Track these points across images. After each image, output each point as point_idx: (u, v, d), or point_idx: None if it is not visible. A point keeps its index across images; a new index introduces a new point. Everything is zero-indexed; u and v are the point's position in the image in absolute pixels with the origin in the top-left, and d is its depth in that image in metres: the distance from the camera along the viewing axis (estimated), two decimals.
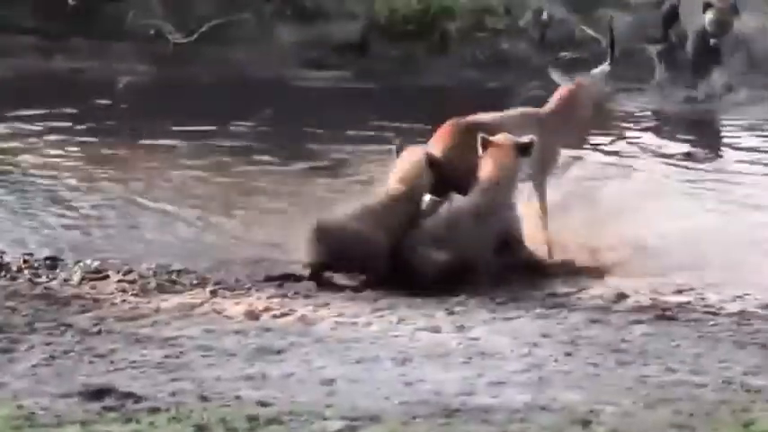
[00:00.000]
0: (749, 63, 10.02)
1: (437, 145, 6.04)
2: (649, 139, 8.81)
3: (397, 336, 5.03)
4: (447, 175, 5.93)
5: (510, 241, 5.86)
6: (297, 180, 7.46)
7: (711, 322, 5.27)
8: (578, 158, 7.60)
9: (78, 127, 8.30)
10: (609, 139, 8.58)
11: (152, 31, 9.94)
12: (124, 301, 5.39)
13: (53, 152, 7.85)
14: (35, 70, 9.64)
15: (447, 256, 5.70)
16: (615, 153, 8.30)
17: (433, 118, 6.32)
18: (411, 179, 5.94)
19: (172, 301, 5.39)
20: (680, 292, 5.71)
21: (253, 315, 5.25)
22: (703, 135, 9.13)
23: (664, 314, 5.35)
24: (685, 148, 8.54)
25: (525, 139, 5.94)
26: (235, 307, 5.32)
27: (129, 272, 5.72)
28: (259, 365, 4.64)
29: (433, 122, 6.24)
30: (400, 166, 6.03)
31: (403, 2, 10.16)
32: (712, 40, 9.61)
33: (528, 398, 4.36)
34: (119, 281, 5.60)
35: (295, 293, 5.55)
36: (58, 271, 5.74)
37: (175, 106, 8.84)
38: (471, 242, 5.76)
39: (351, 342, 4.93)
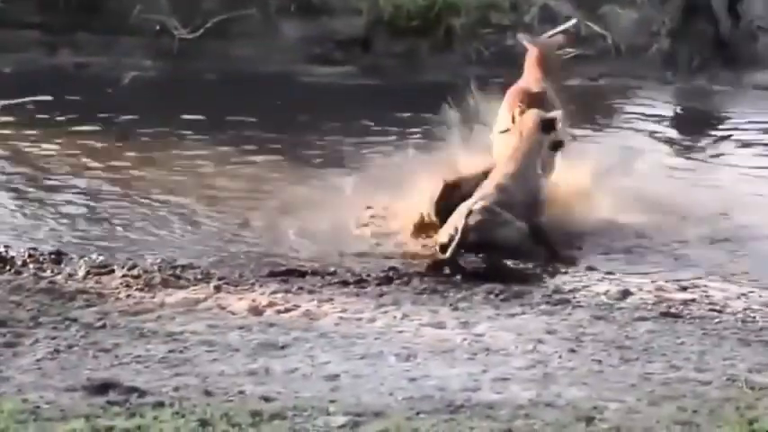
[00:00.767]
0: None
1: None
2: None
3: (401, 331, 5.03)
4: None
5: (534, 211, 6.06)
6: (301, 174, 7.45)
7: (716, 320, 5.27)
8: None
9: (82, 120, 8.29)
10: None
11: (157, 27, 9.93)
12: (129, 295, 5.39)
13: (55, 145, 7.84)
14: (39, 65, 9.63)
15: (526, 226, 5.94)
16: None
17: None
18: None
19: (176, 295, 5.39)
20: (684, 289, 5.70)
21: (256, 310, 5.25)
22: None
23: (668, 311, 5.34)
24: None
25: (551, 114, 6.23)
26: (239, 302, 5.32)
27: (134, 267, 5.72)
28: (263, 361, 4.65)
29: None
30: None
31: None
32: None
33: (532, 394, 4.37)
34: (123, 275, 5.60)
35: (299, 289, 5.55)
36: (62, 265, 5.74)
37: (180, 101, 8.84)
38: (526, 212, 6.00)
39: (355, 337, 4.93)
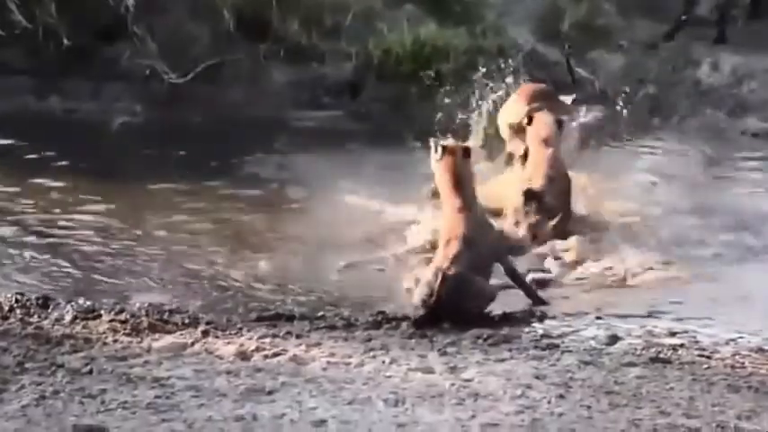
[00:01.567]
0: None
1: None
2: None
3: (389, 376, 5.01)
4: None
5: None
6: (289, 218, 7.46)
7: (705, 365, 5.26)
8: None
9: (70, 165, 8.29)
10: None
11: (147, 71, 9.98)
12: (115, 340, 5.36)
13: (45, 191, 7.83)
14: (29, 110, 9.65)
15: None
16: None
17: None
18: None
19: (163, 340, 5.37)
20: (673, 334, 5.70)
21: (244, 355, 5.22)
22: None
23: (657, 356, 5.33)
24: None
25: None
26: (226, 347, 5.29)
27: (121, 311, 5.69)
28: (250, 406, 4.62)
29: None
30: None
31: (397, 43, 10.21)
32: None
33: None
34: (110, 320, 5.58)
35: (287, 333, 5.53)
36: (49, 310, 5.71)
37: (169, 145, 8.86)
38: None
39: (343, 383, 4.91)
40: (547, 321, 5.85)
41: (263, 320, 5.72)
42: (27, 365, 4.99)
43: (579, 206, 7.31)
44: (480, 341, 5.50)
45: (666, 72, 10.19)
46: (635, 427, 4.50)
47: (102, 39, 10.08)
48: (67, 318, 5.60)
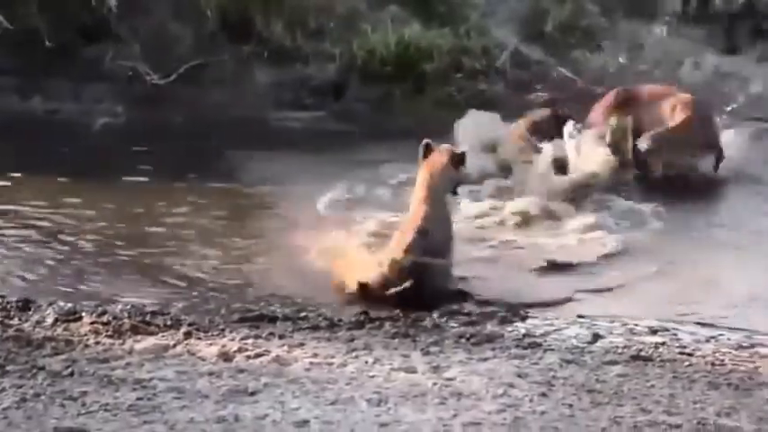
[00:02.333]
0: None
1: None
2: None
3: (372, 376, 5.01)
4: None
5: None
6: (269, 218, 7.45)
7: (686, 363, 5.28)
8: None
9: (50, 166, 8.25)
10: None
11: (129, 72, 9.95)
12: (97, 342, 5.35)
13: (22, 191, 7.80)
14: (11, 110, 9.60)
15: None
16: None
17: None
18: None
19: (145, 342, 5.36)
20: (654, 332, 5.72)
21: (226, 356, 5.22)
22: None
23: (639, 354, 5.35)
24: None
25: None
26: (208, 348, 5.29)
27: (103, 313, 5.68)
28: (232, 407, 4.61)
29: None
30: None
31: (380, 43, 10.20)
32: None
33: None
34: (92, 322, 5.56)
35: (270, 334, 5.53)
36: (30, 313, 5.69)
37: (151, 146, 8.83)
38: None
39: (326, 383, 4.91)
40: (529, 320, 5.86)
41: (245, 321, 5.71)
42: (8, 368, 4.98)
43: None
44: (463, 340, 5.50)
45: (650, 70, 10.20)
46: (616, 425, 4.51)
47: (84, 39, 10.05)
48: (48, 320, 5.58)
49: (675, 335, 5.70)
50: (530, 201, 7.41)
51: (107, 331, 5.47)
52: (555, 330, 5.71)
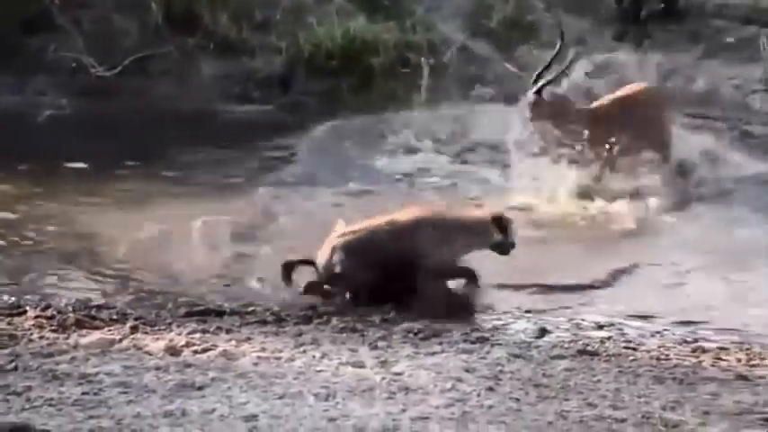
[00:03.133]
0: None
1: None
2: None
3: (320, 371, 5.01)
4: None
5: None
6: (214, 210, 7.43)
7: (631, 357, 5.34)
8: None
9: None
10: None
11: (74, 64, 9.84)
12: (41, 336, 5.29)
13: None
14: None
15: None
16: None
17: None
18: None
19: (91, 336, 5.30)
20: (601, 327, 5.77)
21: (173, 351, 5.19)
22: None
23: (585, 349, 5.40)
24: None
25: None
26: (155, 342, 5.25)
27: (47, 307, 5.62)
28: (179, 402, 4.59)
29: None
30: None
31: (327, 37, 10.19)
32: None
33: None
34: (36, 316, 5.50)
35: (217, 328, 5.50)
36: None
37: (94, 139, 8.75)
38: None
39: (273, 377, 4.90)
40: (477, 315, 5.89)
41: (192, 316, 5.68)
42: None
43: None
44: (411, 335, 5.52)
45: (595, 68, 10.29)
46: (563, 419, 4.55)
47: (27, 31, 9.92)
48: None
49: (621, 330, 5.76)
50: None
51: (51, 325, 5.42)
52: (502, 325, 5.75)
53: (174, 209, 7.39)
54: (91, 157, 8.25)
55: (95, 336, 5.32)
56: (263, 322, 5.64)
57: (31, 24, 9.95)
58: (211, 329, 5.48)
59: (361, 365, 5.10)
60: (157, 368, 4.94)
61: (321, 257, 6.00)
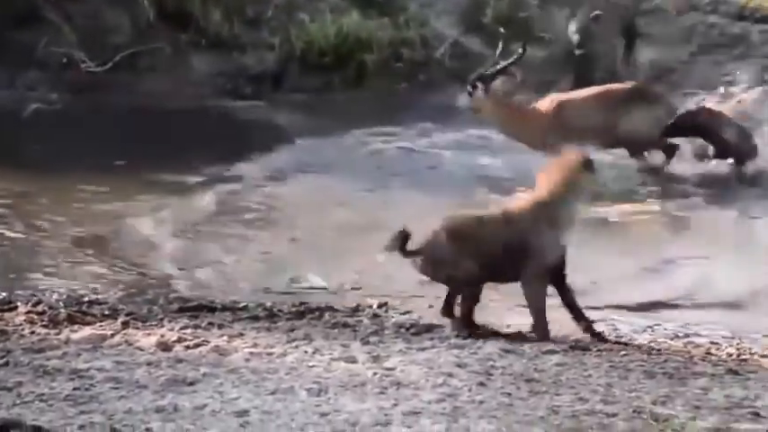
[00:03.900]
0: None
1: None
2: None
3: (312, 366, 5.01)
4: None
5: None
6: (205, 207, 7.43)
7: (622, 352, 5.34)
8: None
9: None
10: None
11: (64, 60, 9.83)
12: (33, 332, 5.28)
13: None
14: None
15: None
16: None
17: None
18: None
19: (82, 332, 5.30)
20: (593, 322, 5.77)
21: (165, 346, 5.18)
22: None
23: (576, 344, 5.41)
24: None
25: None
26: (147, 338, 5.25)
27: (39, 303, 5.61)
28: (171, 397, 4.58)
29: None
30: None
31: (320, 33, 10.18)
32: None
33: (442, 428, 4.37)
34: (27, 312, 5.49)
35: (209, 324, 5.50)
36: None
37: (85, 134, 8.74)
38: None
39: (265, 373, 4.89)
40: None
41: (184, 311, 5.68)
42: None
43: None
44: (402, 330, 5.52)
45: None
46: (554, 414, 4.55)
47: (18, 26, 9.90)
48: None
49: (613, 324, 5.77)
50: None
51: (42, 321, 5.41)
52: (494, 320, 5.74)
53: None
54: (84, 154, 8.25)
55: (87, 331, 5.31)
56: (256, 318, 5.64)
57: (23, 19, 9.94)
58: (203, 325, 5.48)
59: (353, 361, 5.10)
60: (149, 364, 4.94)
61: (421, 240, 5.52)
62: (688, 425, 4.40)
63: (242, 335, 5.37)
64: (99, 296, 5.83)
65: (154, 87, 9.79)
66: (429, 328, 5.56)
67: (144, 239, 6.99)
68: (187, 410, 4.47)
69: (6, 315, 5.47)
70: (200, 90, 9.89)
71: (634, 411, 4.59)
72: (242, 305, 5.80)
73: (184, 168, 8.16)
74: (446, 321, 5.60)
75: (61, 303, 5.63)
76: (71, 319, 5.45)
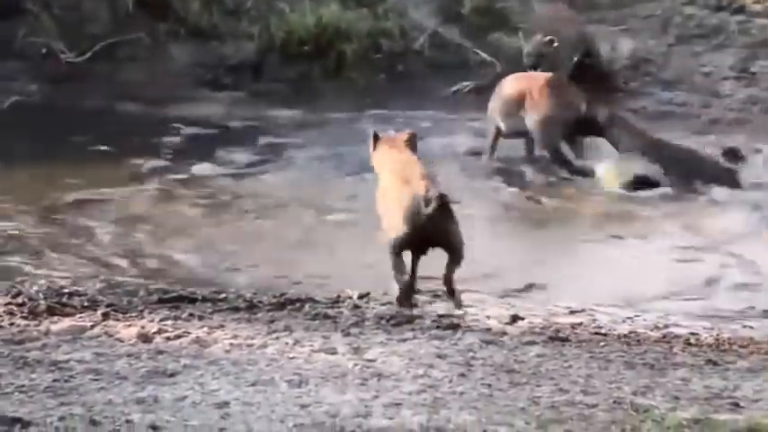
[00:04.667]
0: None
1: None
2: None
3: (292, 357, 5.01)
4: None
5: None
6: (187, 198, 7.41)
7: (602, 343, 5.37)
8: None
9: None
10: None
11: (43, 50, 9.76)
12: (12, 323, 5.26)
13: None
14: None
15: None
16: None
17: None
18: None
19: (62, 323, 5.28)
20: (573, 313, 5.80)
21: (145, 337, 5.17)
22: None
23: (557, 335, 5.42)
24: None
25: None
26: (127, 329, 5.23)
27: (18, 294, 5.58)
28: (151, 389, 4.57)
29: None
30: None
31: (299, 23, 10.15)
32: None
33: (423, 419, 4.38)
34: (6, 303, 5.47)
35: (189, 315, 5.49)
36: None
37: (63, 126, 8.70)
38: None
39: (246, 364, 4.89)
40: (449, 301, 5.89)
41: (164, 302, 5.66)
42: None
43: None
44: (383, 321, 5.53)
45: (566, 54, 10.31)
46: (534, 405, 4.57)
47: None
48: None
49: (592, 315, 5.79)
50: None
51: (22, 312, 5.39)
52: (474, 311, 5.76)
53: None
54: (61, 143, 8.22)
55: (66, 323, 5.29)
56: (236, 309, 5.63)
57: (1, 10, 9.86)
58: (183, 316, 5.47)
59: (333, 352, 5.10)
60: (129, 355, 4.93)
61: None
62: (668, 415, 4.42)
63: (222, 326, 5.36)
64: (79, 287, 5.81)
65: (133, 77, 9.74)
66: (410, 320, 5.57)
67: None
68: (167, 402, 4.46)
69: None
70: (179, 80, 9.84)
71: (614, 402, 4.62)
72: (222, 296, 5.80)
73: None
74: (427, 311, 5.63)
75: (41, 295, 5.60)
76: (51, 311, 5.43)
